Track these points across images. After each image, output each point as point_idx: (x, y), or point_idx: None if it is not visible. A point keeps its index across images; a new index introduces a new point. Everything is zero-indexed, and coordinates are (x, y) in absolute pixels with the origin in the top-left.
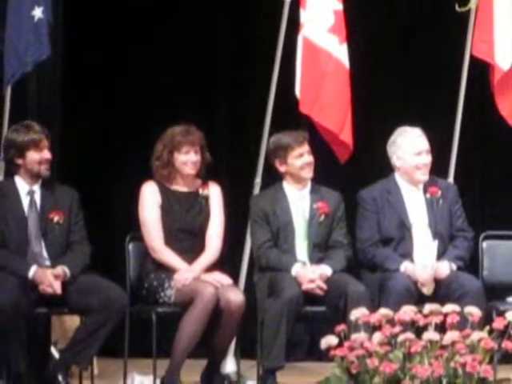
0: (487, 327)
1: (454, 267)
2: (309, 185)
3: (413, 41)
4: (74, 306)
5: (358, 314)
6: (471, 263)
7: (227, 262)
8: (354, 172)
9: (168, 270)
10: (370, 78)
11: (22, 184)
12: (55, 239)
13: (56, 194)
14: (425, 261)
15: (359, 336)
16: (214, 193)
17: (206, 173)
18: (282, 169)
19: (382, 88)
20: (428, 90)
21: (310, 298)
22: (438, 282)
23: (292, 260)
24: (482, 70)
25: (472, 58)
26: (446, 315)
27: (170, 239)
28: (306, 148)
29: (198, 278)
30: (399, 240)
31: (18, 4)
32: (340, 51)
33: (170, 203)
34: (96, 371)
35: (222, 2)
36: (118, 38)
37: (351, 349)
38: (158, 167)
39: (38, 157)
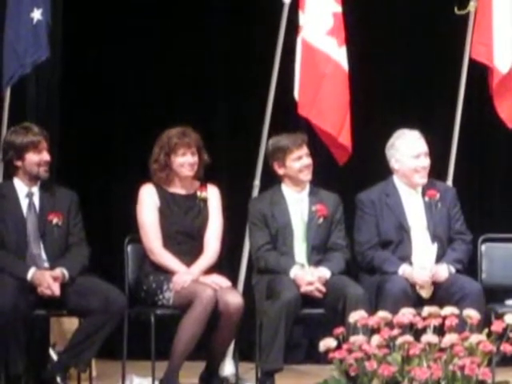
0: (486, 330)
1: (453, 270)
2: (307, 187)
3: (412, 43)
4: (72, 308)
5: (356, 316)
6: (470, 266)
7: (226, 264)
8: (353, 174)
9: (167, 273)
10: (369, 81)
11: (20, 186)
12: (54, 241)
13: (55, 195)
14: (423, 264)
15: (358, 338)
16: (213, 195)
17: (205, 175)
18: (280, 171)
19: (380, 90)
20: (427, 92)
21: (308, 300)
22: (436, 284)
23: (290, 262)
24: (481, 72)
25: (471, 60)
26: (444, 318)
27: (169, 241)
28: (304, 150)
29: (196, 280)
30: (398, 243)
31: (17, 6)
32: (339, 54)
33: (169, 206)
34: (94, 373)
35: (221, 3)
36: (116, 40)
37: (350, 351)
38: (156, 170)
39: (37, 158)
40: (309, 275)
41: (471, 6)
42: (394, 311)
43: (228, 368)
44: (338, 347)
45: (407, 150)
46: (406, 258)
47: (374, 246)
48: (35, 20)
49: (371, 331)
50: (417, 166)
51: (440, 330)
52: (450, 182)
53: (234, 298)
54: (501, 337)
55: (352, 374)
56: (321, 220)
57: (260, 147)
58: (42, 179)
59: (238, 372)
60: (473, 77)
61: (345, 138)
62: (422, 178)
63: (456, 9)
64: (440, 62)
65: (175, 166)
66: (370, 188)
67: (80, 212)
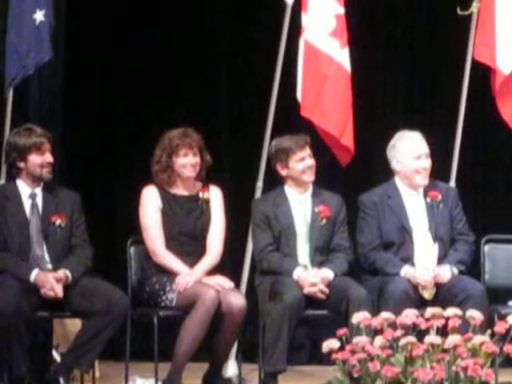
0: (489, 331)
1: (456, 271)
2: (310, 188)
3: (414, 44)
4: (75, 310)
5: (359, 317)
6: (473, 267)
7: (229, 265)
8: (356, 176)
9: (169, 274)
10: (372, 82)
11: (23, 187)
12: (57, 242)
13: (58, 197)
14: (426, 265)
15: (361, 340)
16: (215, 196)
17: (208, 176)
18: (283, 172)
19: (383, 92)
20: (430, 93)
21: (311, 301)
22: (439, 285)
23: (293, 264)
24: (483, 73)
25: (474, 61)
26: (447, 319)
27: (171, 243)
28: (307, 152)
29: (199, 281)
30: (400, 244)
31: (19, 7)
32: (341, 55)
33: (171, 207)
34: (97, 374)
35: (224, 4)
36: (119, 41)
37: (353, 352)
38: (158, 171)
39: (40, 160)
40: (312, 276)
41: (474, 7)
42: (396, 312)
43: (231, 369)
44: (341, 348)
45: (408, 151)
46: (408, 260)
47: (376, 247)
48: (38, 21)
49: (374, 332)
50: (418, 167)
51: (443, 331)
52: (452, 183)
53: (236, 299)
54: (504, 338)
55: (355, 375)
56: (324, 221)
57: (263, 148)
58: (45, 180)
59: (241, 373)
60: (475, 78)
61: (347, 140)
62: (423, 179)
63: (459, 10)
64: (442, 63)
65: (177, 167)
66: (371, 189)
67: (83, 213)
